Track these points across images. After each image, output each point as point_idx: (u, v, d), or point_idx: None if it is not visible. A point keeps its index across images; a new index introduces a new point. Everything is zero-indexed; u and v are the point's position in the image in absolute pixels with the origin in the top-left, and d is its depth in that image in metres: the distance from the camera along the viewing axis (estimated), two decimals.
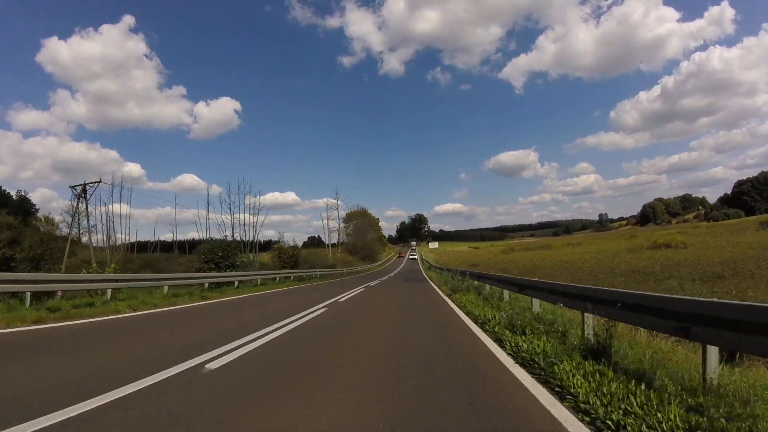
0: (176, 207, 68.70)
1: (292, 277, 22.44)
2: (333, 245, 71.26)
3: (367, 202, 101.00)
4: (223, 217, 53.98)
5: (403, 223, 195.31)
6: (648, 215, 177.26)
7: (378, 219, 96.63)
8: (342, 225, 73.15)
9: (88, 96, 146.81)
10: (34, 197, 41.56)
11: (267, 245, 48.55)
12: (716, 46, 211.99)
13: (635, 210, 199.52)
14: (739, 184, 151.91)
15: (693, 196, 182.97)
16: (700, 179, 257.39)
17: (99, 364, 4.07)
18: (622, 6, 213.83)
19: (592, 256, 32.83)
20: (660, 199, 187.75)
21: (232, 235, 54.65)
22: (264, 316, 7.91)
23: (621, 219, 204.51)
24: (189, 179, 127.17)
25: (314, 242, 75.87)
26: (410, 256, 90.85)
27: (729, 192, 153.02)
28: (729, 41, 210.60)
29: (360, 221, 76.26)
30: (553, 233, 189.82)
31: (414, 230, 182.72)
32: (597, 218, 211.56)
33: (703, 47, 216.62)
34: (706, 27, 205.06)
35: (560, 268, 24.97)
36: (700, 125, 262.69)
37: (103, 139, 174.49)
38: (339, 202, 65.21)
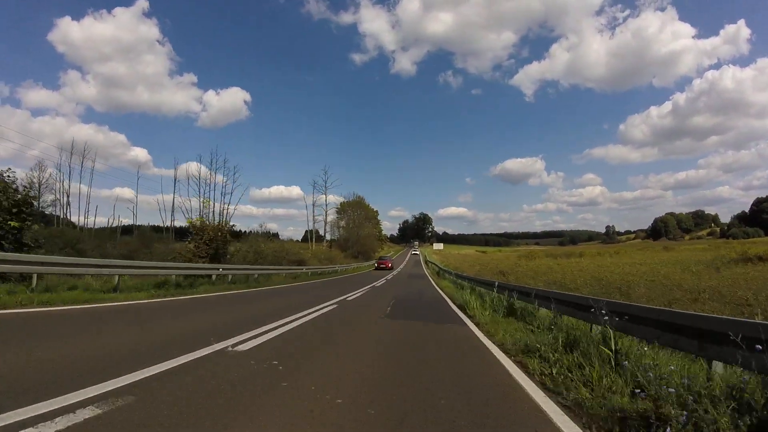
0: (138, 191, 59.54)
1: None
2: (327, 240, 61.72)
3: (371, 201, 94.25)
4: (191, 200, 44.72)
5: (406, 222, 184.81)
6: (659, 230, 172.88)
7: (377, 211, 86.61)
8: (335, 216, 63.46)
9: (99, 78, 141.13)
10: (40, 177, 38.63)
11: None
12: (730, 65, 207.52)
13: (639, 224, 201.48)
14: (759, 203, 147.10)
15: (705, 212, 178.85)
16: (706, 197, 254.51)
17: None
18: (638, 19, 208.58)
19: (672, 269, 23.17)
20: (672, 214, 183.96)
21: (213, 218, 45.26)
22: None
23: (628, 232, 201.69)
24: (194, 167, 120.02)
25: (312, 237, 65.72)
26: (412, 252, 79.84)
27: (746, 210, 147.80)
28: (743, 61, 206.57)
29: (355, 212, 66.24)
30: (558, 242, 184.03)
31: (417, 230, 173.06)
32: (602, 230, 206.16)
33: (717, 66, 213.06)
34: (721, 45, 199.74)
35: (686, 293, 14.97)
36: (709, 144, 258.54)
37: (112, 123, 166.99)
38: (325, 197, 55.58)
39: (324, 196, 56.48)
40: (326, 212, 57.26)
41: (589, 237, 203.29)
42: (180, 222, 46.30)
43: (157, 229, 45.04)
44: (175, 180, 45.29)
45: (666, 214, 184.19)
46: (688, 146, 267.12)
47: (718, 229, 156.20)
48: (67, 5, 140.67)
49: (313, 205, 56.77)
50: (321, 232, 63.23)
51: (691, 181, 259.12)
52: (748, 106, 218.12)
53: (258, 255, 27.69)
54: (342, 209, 65.54)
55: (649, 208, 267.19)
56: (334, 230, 62.21)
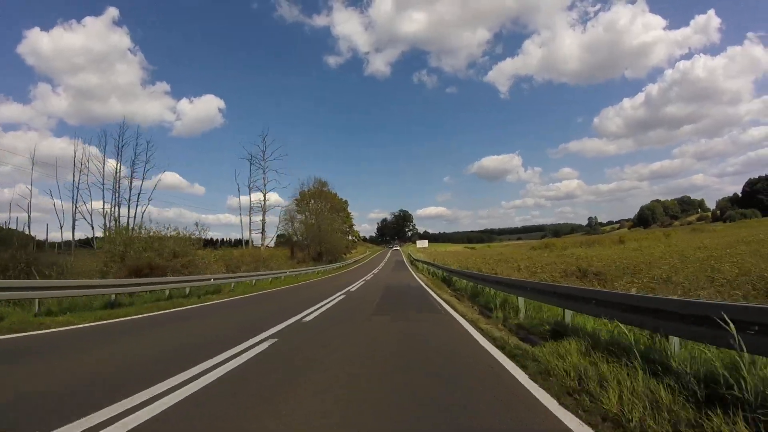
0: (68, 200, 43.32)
1: None
2: (267, 237, 46.31)
3: (350, 202, 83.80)
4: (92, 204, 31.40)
5: (384, 221, 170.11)
6: (646, 218, 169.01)
7: (346, 201, 71.48)
8: (294, 206, 48.05)
9: (70, 90, 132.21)
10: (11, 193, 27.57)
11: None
12: (701, 54, 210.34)
13: (617, 215, 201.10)
14: (752, 184, 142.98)
15: (691, 198, 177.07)
16: (682, 186, 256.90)
17: None
18: (609, 12, 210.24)
19: None
20: (658, 201, 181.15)
21: (118, 223, 30.62)
22: None
23: (610, 222, 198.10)
24: (170, 177, 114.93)
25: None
26: (393, 249, 68.88)
27: (738, 193, 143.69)
28: (713, 50, 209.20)
29: (318, 203, 51.01)
30: (540, 236, 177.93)
31: (398, 229, 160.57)
32: (582, 223, 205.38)
33: (688, 56, 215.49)
34: (692, 35, 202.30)
35: None
36: (682, 133, 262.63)
37: (85, 135, 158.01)
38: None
39: (262, 172, 41.22)
40: (264, 196, 41.83)
41: (572, 229, 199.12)
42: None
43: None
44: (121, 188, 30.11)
45: (652, 201, 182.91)
46: (662, 136, 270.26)
47: (708, 214, 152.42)
48: (35, 16, 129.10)
49: (249, 188, 41.35)
50: (287, 231, 47.90)
51: (666, 171, 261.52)
52: (720, 94, 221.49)
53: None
54: (302, 199, 50.22)
55: (626, 199, 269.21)
56: (287, 226, 46.79)
